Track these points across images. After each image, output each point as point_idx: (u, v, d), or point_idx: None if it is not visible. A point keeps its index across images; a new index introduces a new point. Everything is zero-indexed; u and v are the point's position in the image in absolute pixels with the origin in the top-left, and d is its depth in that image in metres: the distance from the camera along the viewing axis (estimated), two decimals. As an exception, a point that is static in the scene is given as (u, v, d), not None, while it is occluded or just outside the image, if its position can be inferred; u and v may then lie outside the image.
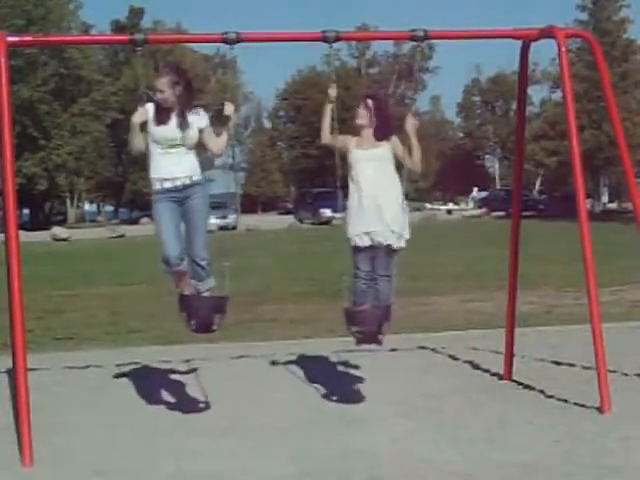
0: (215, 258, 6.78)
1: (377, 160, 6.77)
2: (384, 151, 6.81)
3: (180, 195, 6.53)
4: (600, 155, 52.46)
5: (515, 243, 7.78)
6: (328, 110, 6.82)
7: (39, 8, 56.82)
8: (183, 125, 6.51)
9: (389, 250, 6.75)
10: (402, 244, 6.79)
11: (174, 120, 6.52)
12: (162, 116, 6.50)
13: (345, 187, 6.81)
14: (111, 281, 19.12)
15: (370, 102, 6.92)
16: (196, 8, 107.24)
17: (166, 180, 6.50)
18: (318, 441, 6.00)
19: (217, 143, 6.68)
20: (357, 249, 6.75)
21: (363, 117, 6.90)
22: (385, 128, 6.86)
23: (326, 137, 6.92)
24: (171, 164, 6.50)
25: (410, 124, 6.80)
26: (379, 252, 6.74)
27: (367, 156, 6.79)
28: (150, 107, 6.52)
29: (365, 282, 6.77)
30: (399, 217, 6.74)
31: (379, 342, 6.75)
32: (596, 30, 51.97)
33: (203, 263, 6.57)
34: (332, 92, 6.77)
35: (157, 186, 6.52)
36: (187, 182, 6.53)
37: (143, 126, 6.52)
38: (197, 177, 6.59)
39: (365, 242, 6.71)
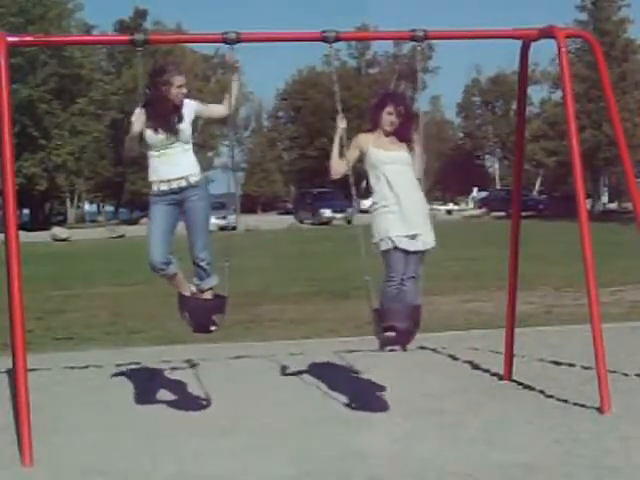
0: (217, 258, 6.78)
1: (400, 163, 6.69)
2: (406, 155, 6.72)
3: (177, 197, 6.53)
4: (600, 155, 52.46)
5: (515, 243, 7.78)
6: (337, 141, 6.69)
7: (37, 7, 56.80)
8: (178, 122, 6.51)
9: (422, 253, 6.71)
10: (434, 245, 6.75)
11: (168, 120, 6.51)
12: (155, 120, 6.50)
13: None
14: (111, 281, 19.13)
15: (403, 110, 6.76)
16: (196, 8, 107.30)
17: (163, 182, 6.52)
18: (318, 441, 6.00)
19: (226, 103, 6.62)
20: (392, 252, 6.58)
21: (394, 124, 6.75)
22: (408, 129, 6.76)
23: (336, 170, 6.76)
24: (168, 166, 6.51)
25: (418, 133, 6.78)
26: (412, 255, 6.65)
27: (391, 158, 6.68)
28: (142, 112, 6.52)
29: (397, 286, 6.60)
30: (429, 220, 6.74)
31: (408, 343, 6.62)
32: (596, 30, 51.96)
33: (203, 264, 6.59)
34: (342, 123, 6.64)
35: (155, 188, 6.55)
36: (183, 184, 6.52)
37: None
38: (195, 178, 6.57)
39: (405, 245, 6.59)
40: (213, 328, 6.62)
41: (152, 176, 6.56)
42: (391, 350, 6.65)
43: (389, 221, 6.60)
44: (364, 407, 6.96)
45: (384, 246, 6.60)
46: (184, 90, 6.57)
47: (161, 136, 6.50)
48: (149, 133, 6.50)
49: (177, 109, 6.54)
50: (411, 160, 6.75)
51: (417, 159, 6.78)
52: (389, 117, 6.77)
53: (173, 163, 6.52)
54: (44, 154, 56.81)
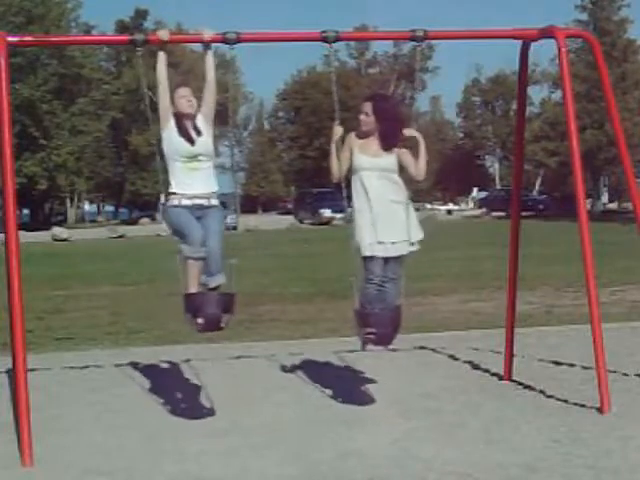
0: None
1: (381, 170, 6.70)
2: (389, 162, 6.72)
3: (195, 212, 6.57)
4: (600, 155, 52.47)
5: (515, 243, 7.78)
6: (334, 149, 6.74)
7: (39, 7, 56.82)
8: (197, 135, 6.57)
9: (400, 256, 6.75)
10: (413, 249, 6.80)
11: (193, 132, 6.57)
12: (184, 129, 6.55)
13: (345, 188, 6.77)
14: (111, 281, 19.12)
15: (370, 107, 6.77)
16: (196, 8, 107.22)
17: (185, 198, 6.53)
18: (318, 441, 6.01)
19: (207, 80, 6.63)
20: (369, 258, 6.68)
21: (364, 124, 6.76)
22: (391, 137, 6.73)
23: (336, 175, 6.78)
24: (194, 181, 6.53)
25: (416, 133, 6.81)
26: (390, 259, 6.72)
27: (371, 164, 6.70)
28: (171, 118, 6.57)
29: (377, 287, 6.70)
30: (407, 224, 6.72)
31: (388, 344, 6.71)
32: (596, 30, 52.00)
33: (216, 256, 6.53)
34: (338, 130, 6.70)
35: (175, 202, 6.56)
36: (205, 204, 6.58)
37: None
38: (215, 200, 6.64)
39: (377, 252, 6.66)
40: (222, 325, 6.56)
41: (176, 188, 6.56)
42: (372, 349, 6.75)
43: (363, 228, 6.68)
44: (363, 407, 6.96)
45: (362, 253, 6.69)
46: (191, 101, 6.59)
47: (190, 148, 6.53)
48: (179, 140, 6.53)
49: (193, 122, 6.58)
50: (396, 166, 6.75)
51: (418, 161, 6.78)
52: (359, 117, 6.79)
53: (199, 179, 6.55)
54: (44, 154, 56.81)
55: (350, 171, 6.80)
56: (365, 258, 6.70)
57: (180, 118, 6.59)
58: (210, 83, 6.65)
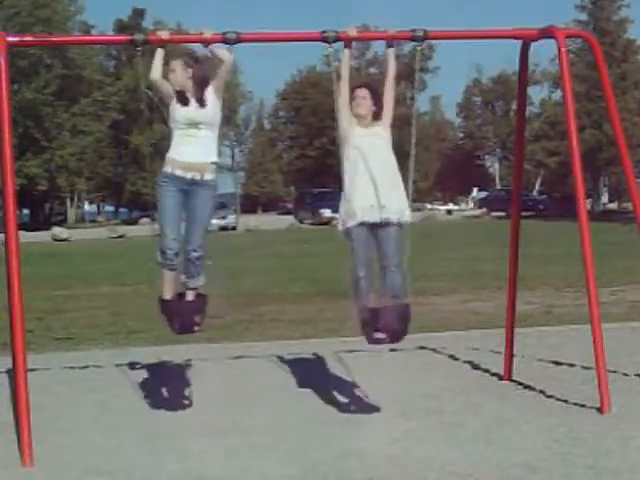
0: (211, 257, 6.78)
1: (372, 135, 6.62)
2: (380, 129, 6.68)
3: (186, 188, 6.54)
4: (600, 155, 52.49)
5: (515, 243, 7.78)
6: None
7: (42, 9, 56.89)
8: (201, 104, 6.54)
9: (389, 228, 6.43)
10: (405, 219, 6.48)
11: (193, 100, 6.55)
12: (183, 96, 6.55)
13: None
14: (111, 281, 19.13)
15: (367, 92, 6.79)
16: (196, 8, 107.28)
17: (180, 166, 6.50)
18: (318, 441, 6.00)
19: (221, 58, 6.63)
20: (353, 230, 6.41)
21: (364, 107, 6.73)
22: (380, 109, 6.75)
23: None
24: (189, 149, 6.50)
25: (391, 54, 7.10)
26: (380, 233, 6.44)
27: (362, 132, 6.62)
28: (172, 89, 6.58)
29: (365, 271, 6.41)
30: (396, 193, 6.50)
31: (390, 342, 6.61)
32: (596, 30, 52.02)
33: (195, 260, 6.54)
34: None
35: (169, 169, 6.53)
36: (197, 178, 6.53)
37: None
38: (210, 175, 6.57)
39: (371, 216, 6.38)
40: (196, 328, 6.65)
41: (171, 153, 6.55)
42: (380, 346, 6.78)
43: (346, 197, 6.46)
44: (364, 407, 6.96)
45: (345, 224, 6.46)
46: (176, 75, 6.56)
47: (187, 114, 6.51)
48: (177, 107, 6.54)
49: (196, 90, 6.55)
50: (388, 135, 6.67)
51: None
52: (358, 100, 6.72)
53: (196, 145, 6.50)
54: (47, 155, 56.85)
55: (341, 144, 6.69)
56: (350, 233, 6.43)
57: (177, 94, 6.58)
58: (226, 61, 6.59)
